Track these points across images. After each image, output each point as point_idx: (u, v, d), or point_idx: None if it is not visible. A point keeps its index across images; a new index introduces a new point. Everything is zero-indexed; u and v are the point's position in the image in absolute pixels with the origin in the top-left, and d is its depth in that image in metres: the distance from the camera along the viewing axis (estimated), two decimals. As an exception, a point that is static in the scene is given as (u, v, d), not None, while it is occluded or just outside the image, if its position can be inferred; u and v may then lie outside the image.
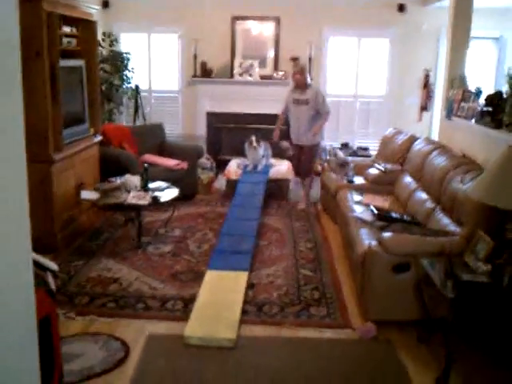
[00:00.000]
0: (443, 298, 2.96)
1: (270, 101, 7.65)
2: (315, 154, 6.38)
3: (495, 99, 4.61)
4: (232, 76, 7.85)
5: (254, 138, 6.69)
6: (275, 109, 7.23)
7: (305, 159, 6.23)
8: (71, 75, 5.09)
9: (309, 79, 6.15)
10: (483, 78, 7.56)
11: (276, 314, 3.71)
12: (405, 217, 4.40)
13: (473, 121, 4.99)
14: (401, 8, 7.75)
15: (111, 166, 5.69)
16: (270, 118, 7.68)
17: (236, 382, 2.95)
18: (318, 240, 5.21)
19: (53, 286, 3.41)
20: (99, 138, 5.69)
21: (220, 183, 7.00)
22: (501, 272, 3.01)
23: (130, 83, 7.74)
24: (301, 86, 6.04)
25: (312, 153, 6.27)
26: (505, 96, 4.44)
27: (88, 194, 4.97)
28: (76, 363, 3.03)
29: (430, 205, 4.34)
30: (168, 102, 8.33)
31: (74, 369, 2.97)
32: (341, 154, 6.41)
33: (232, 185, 6.39)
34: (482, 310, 3.08)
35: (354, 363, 3.17)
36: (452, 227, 3.79)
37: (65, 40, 4.99)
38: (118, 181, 5.11)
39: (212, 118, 8.03)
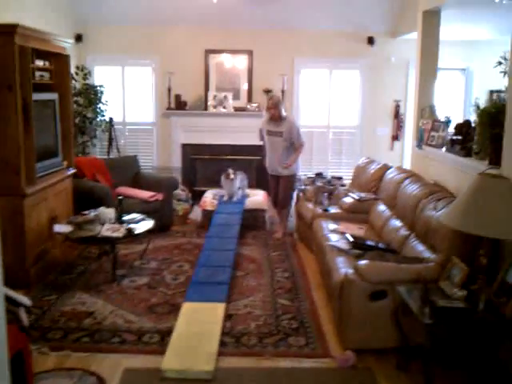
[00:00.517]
0: (420, 324, 2.98)
1: (244, 132, 7.75)
2: (292, 185, 6.33)
3: (464, 128, 4.73)
4: (206, 108, 7.92)
5: (230, 171, 6.70)
6: (249, 140, 7.32)
7: (282, 190, 6.22)
8: (44, 108, 5.07)
9: (283, 112, 6.16)
10: (452, 108, 7.77)
11: (254, 345, 3.68)
12: (380, 244, 4.44)
13: (443, 149, 5.10)
14: (370, 40, 7.96)
15: (85, 199, 5.64)
16: (245, 149, 7.79)
17: (215, 415, 2.90)
18: (294, 269, 5.21)
19: (25, 321, 3.35)
20: (72, 170, 5.65)
21: (196, 214, 6.98)
22: (476, 297, 3.05)
23: (103, 116, 7.74)
24: (275, 119, 6.09)
25: (289, 183, 6.25)
26: (473, 125, 4.56)
27: (61, 228, 4.90)
28: (50, 401, 2.95)
29: (404, 232, 4.39)
30: (142, 134, 8.32)
31: (47, 407, 2.89)
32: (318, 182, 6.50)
33: (208, 216, 6.38)
34: (458, 335, 3.10)
35: (334, 393, 3.15)
36: (426, 254, 3.83)
37: (38, 73, 4.97)
38: (92, 213, 5.06)
39: (187, 149, 8.06)
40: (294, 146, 6.12)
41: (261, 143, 6.53)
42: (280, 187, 6.23)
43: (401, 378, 3.31)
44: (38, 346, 3.56)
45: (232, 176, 6.65)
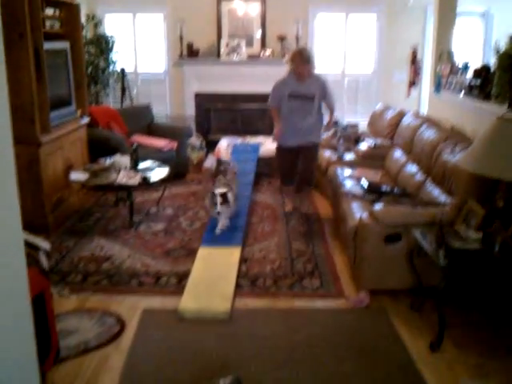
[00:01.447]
0: (435, 266, 3.00)
1: (257, 80, 7.63)
2: (317, 155, 5.19)
3: (483, 72, 4.63)
4: (219, 56, 7.80)
5: (218, 196, 4.46)
6: (263, 88, 7.18)
7: (307, 162, 4.97)
8: (56, 58, 5.04)
9: (314, 68, 4.93)
10: (470, 54, 7.57)
11: (270, 287, 3.74)
12: (395, 190, 4.43)
13: (461, 94, 5.01)
14: (387, -16, 7.72)
15: (100, 148, 5.65)
16: (258, 97, 7.67)
17: (231, 351, 2.96)
18: (309, 215, 5.22)
19: (45, 264, 3.42)
20: (87, 119, 5.65)
21: (210, 163, 6.96)
22: (491, 239, 3.04)
23: (115, 65, 7.68)
24: (303, 78, 4.82)
25: (315, 153, 5.09)
26: (492, 69, 4.46)
27: (77, 175, 4.94)
28: (72, 339, 3.04)
29: (420, 177, 4.37)
30: (155, 83, 8.25)
31: (70, 344, 2.98)
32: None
33: (222, 164, 6.36)
34: (473, 276, 3.12)
35: (348, 331, 3.20)
36: (443, 198, 3.82)
37: (48, 22, 4.91)
38: (108, 161, 5.08)
39: (200, 98, 7.99)
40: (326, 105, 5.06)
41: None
42: (303, 160, 4.96)
43: (414, 317, 3.35)
44: (58, 289, 3.64)
45: (219, 208, 4.45)
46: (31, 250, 3.31)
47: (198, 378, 2.64)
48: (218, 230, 4.52)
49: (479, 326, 3.24)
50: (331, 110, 5.09)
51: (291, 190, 5.24)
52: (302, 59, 4.72)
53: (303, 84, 4.83)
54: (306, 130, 4.89)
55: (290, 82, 4.86)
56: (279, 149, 5.12)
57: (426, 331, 3.16)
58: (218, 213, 4.45)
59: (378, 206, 3.73)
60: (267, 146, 6.82)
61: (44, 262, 3.45)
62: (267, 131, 7.46)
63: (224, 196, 4.47)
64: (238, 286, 3.70)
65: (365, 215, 3.66)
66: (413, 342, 3.07)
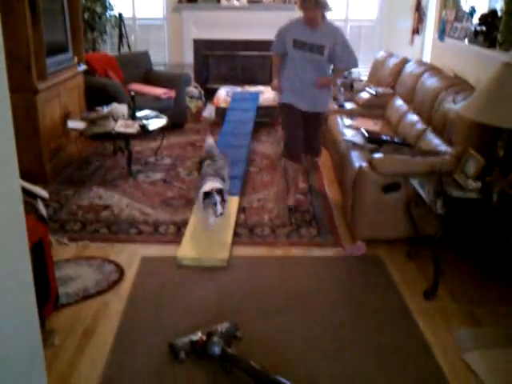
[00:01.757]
0: (433, 215, 3.00)
1: (258, 26, 7.44)
2: (322, 122, 4.51)
3: (489, 18, 4.50)
4: (219, 1, 7.58)
5: (216, 195, 3.57)
6: (264, 35, 7.03)
7: (314, 132, 4.33)
8: (52, 3, 4.92)
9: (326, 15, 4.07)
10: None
11: (267, 236, 3.76)
12: (395, 139, 4.39)
13: (466, 41, 4.90)
14: None
15: (97, 96, 5.57)
16: (259, 45, 7.51)
17: (229, 298, 3.00)
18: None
19: (44, 212, 3.42)
20: (83, 66, 5.56)
21: (209, 112, 6.90)
22: (490, 189, 3.03)
23: (112, 10, 7.48)
24: (312, 24, 3.98)
25: (321, 121, 4.42)
26: (499, 14, 4.33)
27: (75, 124, 4.90)
28: (71, 286, 3.07)
29: (420, 126, 4.32)
30: (153, 29, 8.07)
31: (69, 291, 3.01)
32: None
33: (221, 113, 6.30)
34: (470, 225, 3.13)
35: (344, 279, 3.23)
36: (443, 147, 3.78)
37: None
38: (105, 109, 5.02)
39: (199, 45, 7.82)
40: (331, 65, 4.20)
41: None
42: (310, 129, 4.28)
43: (410, 265, 3.38)
44: (57, 237, 3.66)
45: (218, 199, 3.58)
46: (29, 197, 3.31)
47: (195, 324, 2.68)
48: (211, 222, 3.72)
49: (474, 274, 3.28)
50: (338, 70, 4.25)
51: (296, 168, 4.40)
52: (310, 2, 3.87)
53: (313, 32, 3.98)
54: (306, 92, 4.12)
55: (298, 27, 4.05)
56: (280, 106, 4.38)
57: (422, 279, 3.20)
58: (221, 214, 3.59)
59: (378, 155, 3.70)
60: (267, 94, 6.72)
61: (42, 209, 3.45)
62: (267, 80, 7.34)
63: (221, 192, 3.65)
64: (235, 234, 3.72)
65: (364, 164, 3.64)
66: (408, 290, 3.11)
